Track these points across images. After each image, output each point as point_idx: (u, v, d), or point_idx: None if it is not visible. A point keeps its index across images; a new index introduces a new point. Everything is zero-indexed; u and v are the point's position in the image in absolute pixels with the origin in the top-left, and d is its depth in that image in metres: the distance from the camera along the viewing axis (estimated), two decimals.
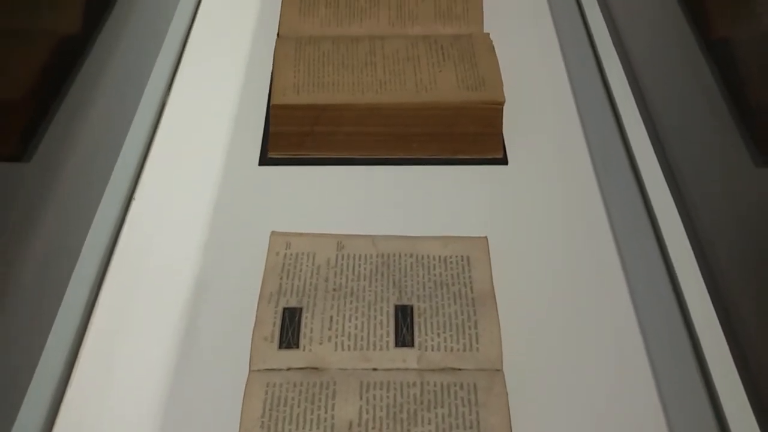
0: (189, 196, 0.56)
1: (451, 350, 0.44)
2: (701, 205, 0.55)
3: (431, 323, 0.45)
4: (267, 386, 0.42)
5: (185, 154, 0.59)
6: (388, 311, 0.46)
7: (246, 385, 0.42)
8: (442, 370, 0.43)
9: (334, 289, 0.47)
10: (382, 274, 0.48)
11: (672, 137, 0.59)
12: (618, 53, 0.67)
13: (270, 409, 0.41)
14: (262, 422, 0.40)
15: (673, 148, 0.59)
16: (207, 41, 0.71)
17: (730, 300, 0.49)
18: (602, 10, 0.71)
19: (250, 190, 0.56)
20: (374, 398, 0.41)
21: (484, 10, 0.69)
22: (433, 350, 0.44)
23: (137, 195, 0.55)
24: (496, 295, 0.47)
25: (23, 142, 0.55)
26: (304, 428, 0.40)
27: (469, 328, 0.45)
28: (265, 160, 0.58)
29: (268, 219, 0.52)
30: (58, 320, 0.46)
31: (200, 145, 0.60)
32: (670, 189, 0.55)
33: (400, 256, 0.49)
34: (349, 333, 0.44)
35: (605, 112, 0.61)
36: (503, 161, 0.59)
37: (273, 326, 0.45)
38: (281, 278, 0.47)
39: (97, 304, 0.49)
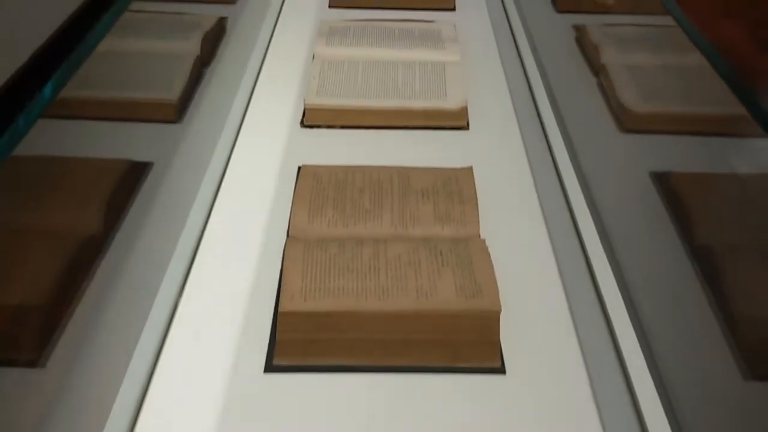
0: (194, 407, 0.57)
1: None
2: (691, 416, 0.57)
3: None
4: None
5: (193, 360, 0.61)
6: None
7: None
8: None
9: None
10: None
11: (663, 348, 0.62)
12: (607, 256, 0.72)
13: None
14: None
15: (666, 361, 0.61)
16: (220, 240, 0.75)
17: None
18: (592, 215, 0.76)
19: (255, 401, 0.58)
20: None
21: (479, 211, 0.74)
22: None
23: (146, 406, 0.57)
24: None
25: (39, 347, 0.57)
26: None
27: None
28: (270, 367, 0.60)
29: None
30: None
31: (207, 352, 0.62)
32: (660, 400, 0.57)
33: None
34: None
35: (597, 320, 0.64)
36: (501, 370, 0.61)
37: None
38: None
39: None
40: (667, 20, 0.85)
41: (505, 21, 1.25)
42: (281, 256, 0.68)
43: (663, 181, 0.79)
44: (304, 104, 0.94)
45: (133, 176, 0.79)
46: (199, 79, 1.01)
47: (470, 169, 0.80)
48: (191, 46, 1.03)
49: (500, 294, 0.63)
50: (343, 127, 0.93)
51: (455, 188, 0.77)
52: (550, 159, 0.89)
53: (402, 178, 0.78)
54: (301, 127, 0.94)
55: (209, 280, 0.70)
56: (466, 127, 0.94)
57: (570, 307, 0.67)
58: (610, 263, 0.69)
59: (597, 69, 1.02)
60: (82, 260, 0.67)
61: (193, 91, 0.98)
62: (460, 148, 0.90)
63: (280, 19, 1.23)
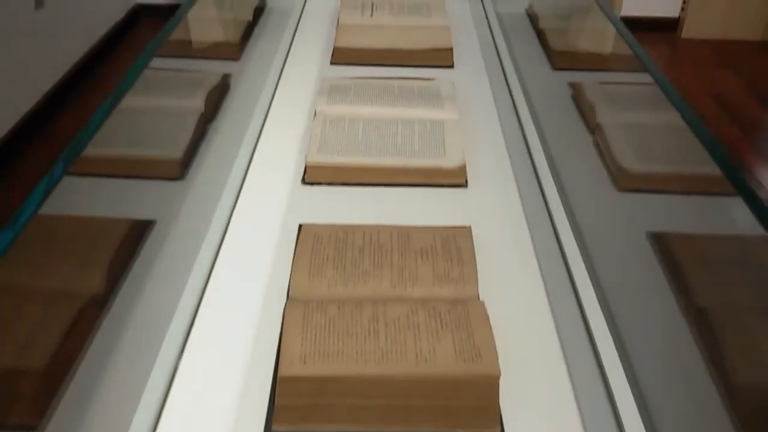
0: None
1: None
2: None
3: None
4: None
5: (193, 424, 0.61)
6: None
7: None
8: None
9: None
10: None
11: (662, 414, 0.62)
12: (605, 318, 0.72)
13: None
14: None
15: (665, 426, 0.61)
16: (221, 299, 0.75)
17: None
18: (590, 276, 0.77)
19: None
20: None
21: (478, 271, 0.75)
22: None
23: None
24: None
25: (39, 412, 0.57)
26: None
27: None
28: None
29: None
30: None
31: (207, 416, 0.62)
32: None
33: None
34: None
35: (596, 384, 0.64)
36: None
37: None
38: None
39: None
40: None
41: (503, 78, 1.27)
42: (281, 316, 0.68)
43: (660, 242, 0.80)
44: (306, 162, 0.96)
45: (135, 235, 0.80)
46: (202, 135, 1.03)
47: (469, 228, 0.81)
48: (196, 104, 1.05)
49: (500, 357, 0.63)
50: (343, 184, 0.95)
51: (454, 248, 0.78)
52: (547, 217, 0.90)
53: (401, 237, 0.79)
54: (303, 184, 0.95)
55: (210, 341, 0.70)
56: (464, 185, 0.95)
57: (569, 371, 0.67)
58: (609, 326, 0.70)
59: (593, 127, 1.04)
60: (83, 321, 0.67)
61: (197, 147, 1.00)
62: (458, 206, 0.92)
63: (283, 74, 1.26)
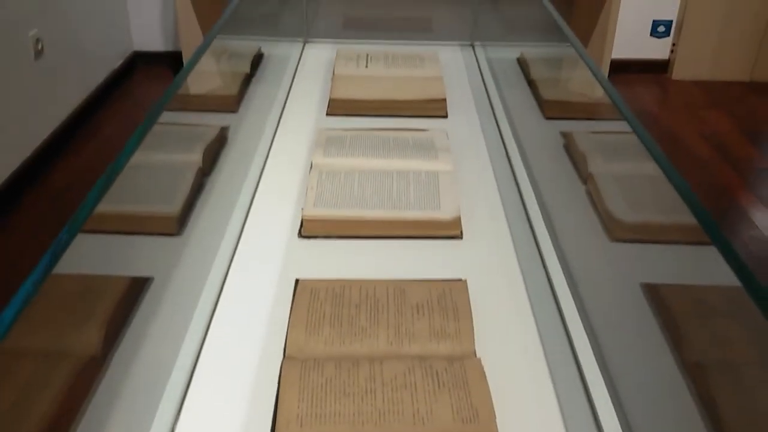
0: None
1: None
2: None
3: None
4: None
5: None
6: None
7: None
8: None
9: None
10: None
11: None
12: (602, 373, 0.72)
13: None
14: None
15: None
16: (218, 357, 0.75)
17: None
18: (586, 329, 0.77)
19: None
20: None
21: (474, 325, 0.75)
22: None
23: None
24: None
25: None
26: None
27: None
28: None
29: None
30: None
31: None
32: None
33: None
34: None
35: None
36: None
37: None
38: None
39: None
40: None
41: (496, 127, 1.29)
42: (278, 374, 0.68)
43: (654, 294, 0.80)
44: (302, 215, 0.96)
45: (133, 293, 0.80)
46: (200, 189, 1.03)
47: (464, 282, 0.82)
48: (194, 158, 1.06)
49: (497, 416, 0.63)
50: (340, 237, 0.96)
51: (450, 303, 0.78)
52: (542, 269, 0.90)
53: (397, 292, 0.80)
54: (299, 237, 0.96)
55: (207, 400, 0.70)
56: (460, 237, 0.96)
57: (566, 427, 0.67)
58: (605, 382, 0.70)
59: (585, 177, 1.06)
60: (80, 381, 0.67)
61: (194, 201, 1.00)
62: (454, 258, 0.92)
63: (279, 125, 1.28)
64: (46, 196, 2.24)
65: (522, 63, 1.54)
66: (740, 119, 2.85)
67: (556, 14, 1.26)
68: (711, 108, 2.98)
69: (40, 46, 2.43)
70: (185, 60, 2.95)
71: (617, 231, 0.93)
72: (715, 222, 0.68)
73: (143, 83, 3.18)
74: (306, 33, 1.71)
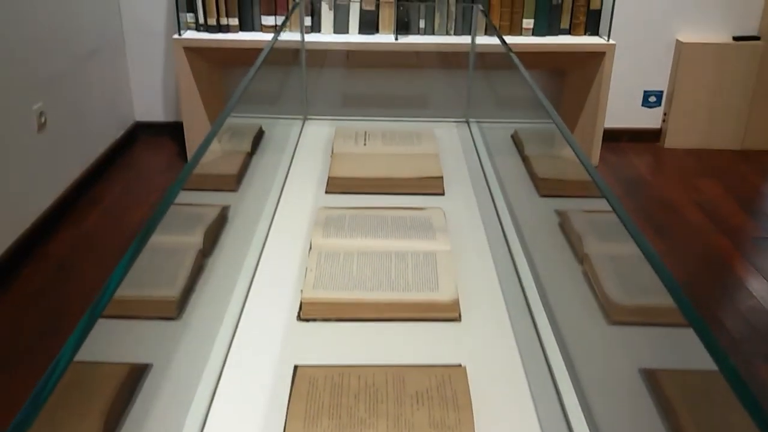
0: None
1: None
2: None
3: None
4: None
5: None
6: None
7: None
8: None
9: None
10: None
11: None
12: None
13: None
14: None
15: None
16: None
17: None
18: (585, 415, 0.77)
19: None
20: None
21: (473, 413, 0.75)
22: None
23: None
24: None
25: None
26: None
27: None
28: None
29: None
30: None
31: None
32: None
33: None
34: None
35: None
36: None
37: None
38: None
39: None
40: None
41: (492, 204, 1.31)
42: None
43: (652, 379, 0.80)
44: (302, 298, 0.97)
45: (131, 381, 0.80)
46: (200, 270, 1.04)
47: (464, 369, 0.82)
48: (195, 240, 1.07)
49: None
50: (339, 319, 0.96)
51: (449, 391, 0.78)
52: (541, 352, 0.91)
53: (396, 380, 0.80)
54: (298, 320, 0.96)
55: None
56: (458, 319, 0.96)
57: None
58: None
59: (581, 257, 1.07)
60: None
61: (194, 284, 1.01)
62: (452, 341, 0.93)
63: (279, 204, 1.30)
64: (47, 266, 2.24)
65: (516, 140, 1.58)
66: (733, 187, 2.89)
67: (539, 93, 1.29)
68: (703, 176, 3.03)
69: (43, 119, 2.47)
70: (186, 131, 3.00)
71: (614, 313, 0.93)
72: (690, 304, 0.69)
73: (144, 153, 3.22)
74: (306, 111, 1.75)
